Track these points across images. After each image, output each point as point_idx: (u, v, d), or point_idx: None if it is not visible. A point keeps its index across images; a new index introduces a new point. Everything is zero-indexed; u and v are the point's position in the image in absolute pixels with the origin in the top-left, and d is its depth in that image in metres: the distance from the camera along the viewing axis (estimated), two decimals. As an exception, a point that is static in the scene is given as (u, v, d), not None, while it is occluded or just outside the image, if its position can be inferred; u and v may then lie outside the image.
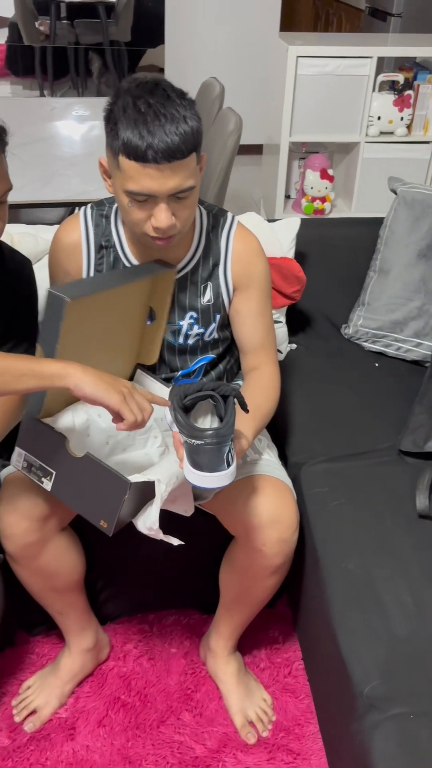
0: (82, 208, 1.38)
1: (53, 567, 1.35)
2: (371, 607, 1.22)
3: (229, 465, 1.02)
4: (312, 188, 3.26)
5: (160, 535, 1.15)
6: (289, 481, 1.39)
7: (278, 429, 1.65)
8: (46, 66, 4.23)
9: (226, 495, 1.33)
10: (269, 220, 1.93)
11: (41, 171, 2.27)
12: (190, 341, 1.40)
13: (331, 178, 3.27)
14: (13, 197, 2.20)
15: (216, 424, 1.07)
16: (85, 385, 1.05)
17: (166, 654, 1.61)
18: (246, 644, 1.61)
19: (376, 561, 1.31)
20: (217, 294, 1.36)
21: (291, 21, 5.34)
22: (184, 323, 1.37)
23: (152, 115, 1.08)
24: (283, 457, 1.57)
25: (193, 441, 1.00)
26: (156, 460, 1.29)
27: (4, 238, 1.54)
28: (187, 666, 1.59)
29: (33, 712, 1.48)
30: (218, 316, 1.38)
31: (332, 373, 1.86)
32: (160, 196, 1.12)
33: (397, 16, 3.94)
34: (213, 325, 1.39)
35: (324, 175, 3.24)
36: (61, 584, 1.39)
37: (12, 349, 1.37)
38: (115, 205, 1.33)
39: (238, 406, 1.06)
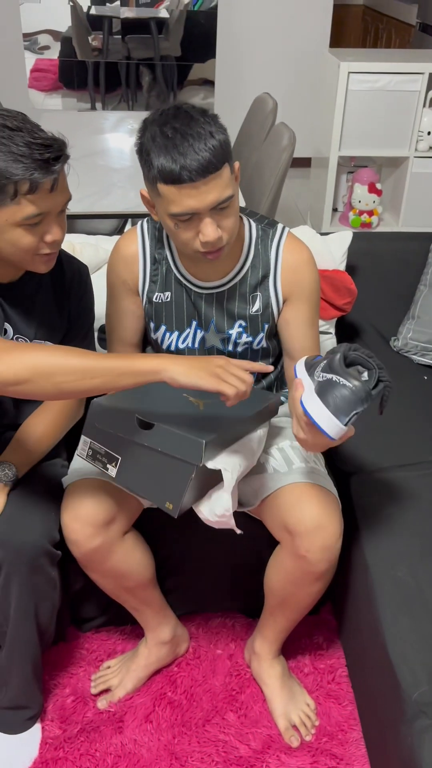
0: (140, 221, 1.44)
1: (122, 568, 1.40)
2: (421, 614, 1.24)
3: (346, 425, 1.06)
4: (360, 202, 3.29)
5: (231, 522, 1.20)
6: (334, 490, 1.41)
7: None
8: (98, 80, 4.35)
9: (272, 501, 1.37)
10: (321, 233, 1.97)
11: (99, 183, 2.34)
12: (239, 349, 1.44)
13: (379, 192, 3.29)
14: (73, 208, 2.28)
15: None
16: (179, 377, 1.11)
17: (212, 655, 1.65)
18: (290, 649, 1.63)
19: (426, 568, 1.32)
20: (266, 304, 1.40)
21: (340, 36, 5.38)
22: (233, 332, 1.42)
23: (180, 138, 1.13)
24: (333, 467, 1.60)
25: (341, 379, 1.05)
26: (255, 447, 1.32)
27: (66, 247, 1.61)
28: (232, 668, 1.62)
29: (108, 690, 1.55)
30: (267, 326, 1.42)
31: (381, 384, 1.88)
32: (203, 211, 1.17)
33: (449, 32, 3.95)
34: (261, 335, 1.43)
35: (372, 189, 3.26)
36: (132, 584, 1.44)
37: None
38: None
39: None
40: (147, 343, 1.55)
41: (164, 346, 1.46)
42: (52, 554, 1.33)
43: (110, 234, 2.25)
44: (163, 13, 4.19)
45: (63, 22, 4.11)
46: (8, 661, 1.37)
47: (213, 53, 4.26)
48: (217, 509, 1.20)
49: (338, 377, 1.05)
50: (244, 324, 1.41)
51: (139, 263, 1.40)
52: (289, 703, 1.51)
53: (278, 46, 4.40)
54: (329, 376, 1.06)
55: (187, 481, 1.15)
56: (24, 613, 1.32)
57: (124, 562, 1.39)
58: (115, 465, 1.22)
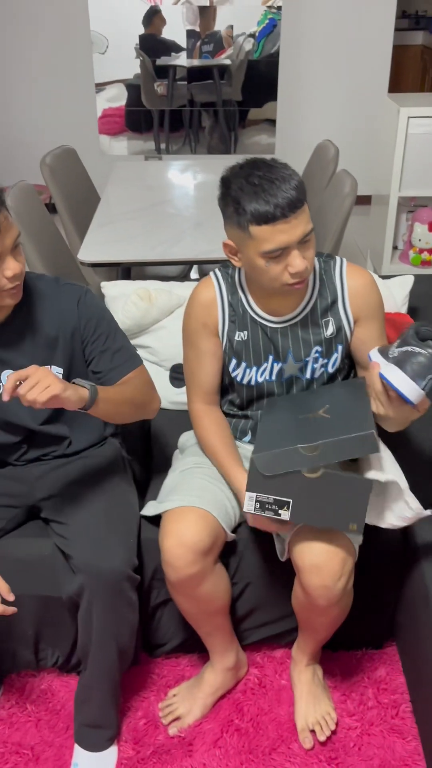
0: (213, 270, 1.57)
1: (210, 594, 1.48)
2: None
3: (422, 389, 1.20)
4: (420, 240, 3.34)
5: (424, 513, 1.34)
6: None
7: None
8: (163, 123, 4.55)
9: (294, 534, 1.43)
10: (383, 277, 2.04)
11: (171, 231, 2.48)
12: (316, 374, 1.55)
13: (439, 231, 3.34)
14: (146, 255, 2.40)
15: None
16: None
17: (277, 685, 1.70)
18: (353, 683, 1.67)
19: None
20: (339, 326, 1.52)
21: (399, 75, 5.47)
22: (311, 357, 1.53)
23: (267, 183, 1.29)
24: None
25: (416, 348, 1.19)
26: None
27: (142, 294, 1.73)
28: (297, 698, 1.67)
29: (177, 718, 1.62)
30: (340, 347, 1.53)
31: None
32: (291, 245, 1.32)
33: None
34: (336, 355, 1.54)
35: (432, 227, 3.31)
36: (213, 609, 1.53)
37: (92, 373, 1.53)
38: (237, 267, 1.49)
39: None
40: (222, 380, 1.64)
41: (244, 382, 1.57)
42: (133, 579, 1.42)
43: (173, 279, 2.38)
44: (225, 61, 4.38)
45: (131, 71, 4.36)
46: (89, 680, 1.46)
47: (273, 96, 4.42)
48: (406, 512, 1.34)
49: (413, 347, 1.19)
50: (320, 349, 1.52)
51: (217, 307, 1.53)
52: (310, 707, 1.59)
53: (338, 90, 4.52)
54: (405, 347, 1.20)
55: (366, 496, 1.26)
56: (106, 636, 1.41)
57: (212, 590, 1.48)
58: (287, 508, 1.31)
